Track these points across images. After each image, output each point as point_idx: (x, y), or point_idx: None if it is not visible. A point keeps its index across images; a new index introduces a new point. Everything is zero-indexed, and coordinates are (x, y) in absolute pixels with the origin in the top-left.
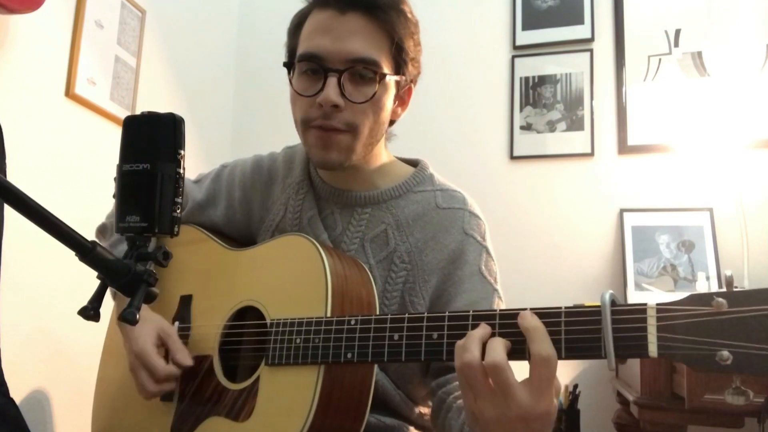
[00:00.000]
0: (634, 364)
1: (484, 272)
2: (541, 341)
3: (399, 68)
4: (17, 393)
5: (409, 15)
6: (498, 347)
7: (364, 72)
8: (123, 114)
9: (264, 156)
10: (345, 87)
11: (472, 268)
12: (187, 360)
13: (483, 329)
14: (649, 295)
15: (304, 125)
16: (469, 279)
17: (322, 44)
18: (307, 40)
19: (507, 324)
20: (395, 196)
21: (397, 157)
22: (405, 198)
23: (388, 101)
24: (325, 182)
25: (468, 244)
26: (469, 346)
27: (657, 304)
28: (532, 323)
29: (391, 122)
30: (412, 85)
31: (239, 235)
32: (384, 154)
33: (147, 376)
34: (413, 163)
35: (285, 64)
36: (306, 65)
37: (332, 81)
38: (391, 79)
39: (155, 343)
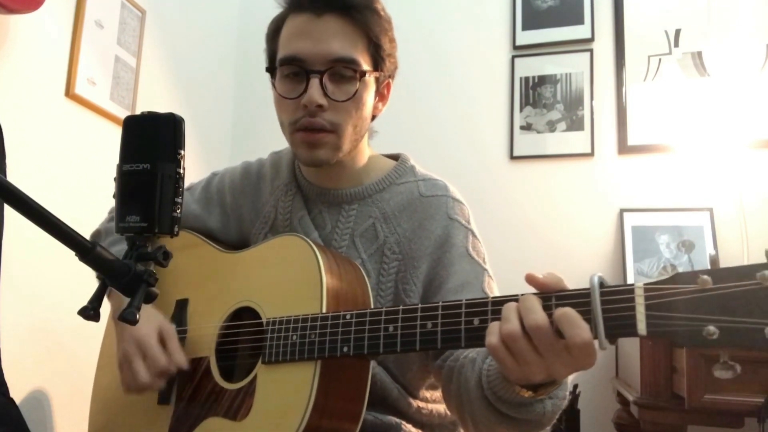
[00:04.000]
0: (634, 364)
1: (471, 253)
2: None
3: (377, 65)
4: (17, 393)
5: (382, 13)
6: (535, 306)
7: (344, 71)
8: (123, 114)
9: (252, 162)
10: (327, 87)
11: (459, 251)
12: (184, 363)
13: (516, 303)
14: None
15: (291, 128)
16: (459, 261)
17: (302, 47)
18: (286, 44)
19: (500, 311)
20: (379, 189)
21: (381, 154)
22: (389, 191)
23: (369, 98)
24: (311, 183)
25: (453, 228)
26: (509, 316)
27: (645, 284)
28: (563, 311)
29: (372, 117)
30: (390, 80)
31: (235, 240)
32: (367, 150)
33: (143, 365)
34: (395, 157)
35: (267, 70)
36: (288, 69)
37: (315, 82)
38: (370, 77)
39: (157, 338)
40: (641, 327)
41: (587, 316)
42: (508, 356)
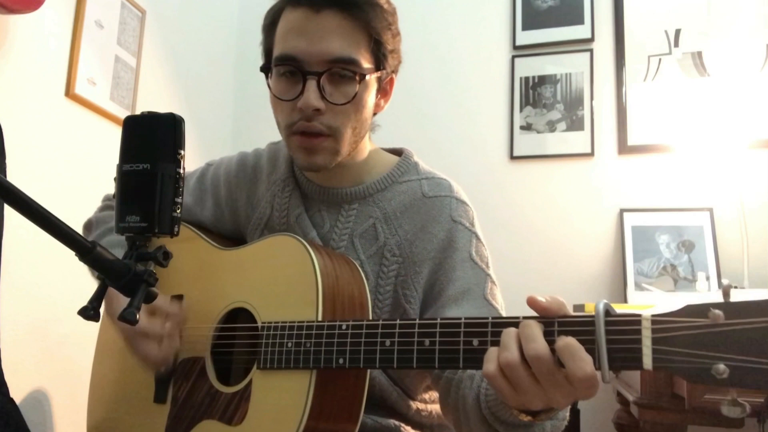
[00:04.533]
0: None
1: (474, 258)
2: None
3: (379, 63)
4: (17, 393)
5: (385, 5)
6: (536, 334)
7: (343, 72)
8: (123, 114)
9: (249, 153)
10: (325, 88)
11: (462, 255)
12: (175, 309)
13: (515, 328)
14: (649, 295)
15: (287, 130)
16: (461, 266)
17: (298, 46)
18: (282, 41)
19: (500, 333)
20: (381, 188)
21: (381, 148)
22: (391, 190)
23: (370, 98)
24: (310, 180)
25: (457, 231)
26: (508, 343)
27: (652, 316)
28: (565, 341)
29: (374, 113)
30: (394, 75)
31: (229, 234)
32: (368, 146)
33: (146, 342)
34: (398, 152)
35: (262, 69)
36: (283, 68)
37: (311, 84)
38: (371, 76)
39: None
40: (647, 361)
41: (590, 345)
42: (506, 385)
